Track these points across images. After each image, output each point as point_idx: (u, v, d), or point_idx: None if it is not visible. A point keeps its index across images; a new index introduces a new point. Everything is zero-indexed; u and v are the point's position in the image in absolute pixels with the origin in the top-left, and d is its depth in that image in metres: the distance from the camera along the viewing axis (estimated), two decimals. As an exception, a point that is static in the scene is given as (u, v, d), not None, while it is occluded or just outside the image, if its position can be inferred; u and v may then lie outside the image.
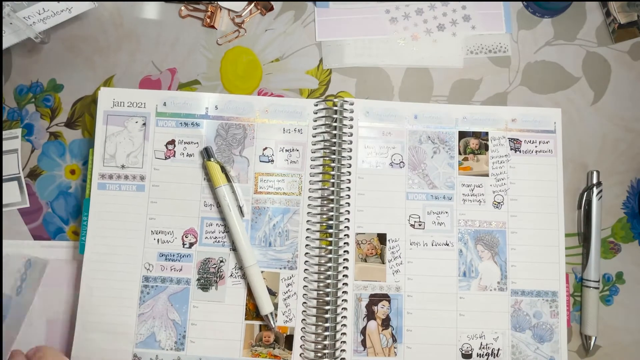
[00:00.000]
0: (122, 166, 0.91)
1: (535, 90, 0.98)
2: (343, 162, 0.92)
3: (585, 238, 0.95)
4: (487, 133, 0.94)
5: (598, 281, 0.93)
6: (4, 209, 0.95)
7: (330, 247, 0.90)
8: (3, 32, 0.91)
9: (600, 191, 0.94)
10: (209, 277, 0.90)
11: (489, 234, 0.92)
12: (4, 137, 0.96)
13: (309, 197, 0.92)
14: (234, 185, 0.91)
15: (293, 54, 0.99)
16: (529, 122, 0.95)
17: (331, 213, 0.91)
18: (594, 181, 0.94)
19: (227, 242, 0.91)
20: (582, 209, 0.95)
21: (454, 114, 0.95)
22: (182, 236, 0.91)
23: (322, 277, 0.90)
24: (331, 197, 0.92)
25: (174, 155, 0.92)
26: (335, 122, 0.93)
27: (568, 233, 0.95)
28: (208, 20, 0.98)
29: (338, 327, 0.90)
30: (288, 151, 0.93)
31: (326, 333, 0.89)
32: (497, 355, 0.90)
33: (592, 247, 0.93)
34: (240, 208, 0.91)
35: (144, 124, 0.92)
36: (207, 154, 0.91)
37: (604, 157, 0.97)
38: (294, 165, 0.93)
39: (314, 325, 0.89)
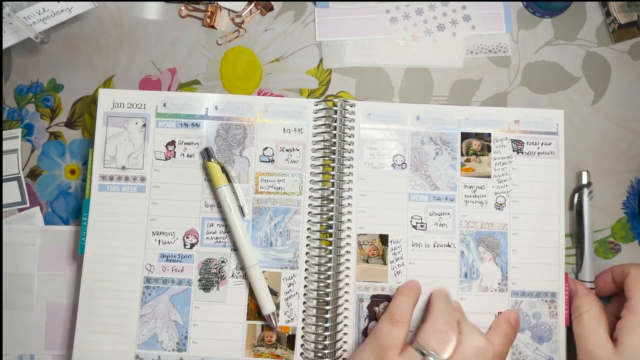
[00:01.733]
0: (123, 167, 0.91)
1: (535, 90, 0.98)
2: (344, 163, 0.92)
3: (578, 239, 0.95)
4: (489, 134, 0.94)
5: (593, 282, 0.93)
6: (4, 209, 0.95)
7: (331, 247, 0.91)
8: (3, 32, 0.91)
9: (591, 191, 0.94)
10: (210, 278, 0.90)
11: (491, 236, 0.92)
12: (4, 137, 0.96)
13: (310, 196, 0.92)
14: (234, 185, 0.91)
15: (293, 54, 0.99)
16: (532, 124, 0.94)
17: (332, 213, 0.91)
18: (584, 181, 0.95)
19: (228, 242, 0.91)
20: (575, 210, 0.95)
21: (456, 115, 0.95)
22: (183, 237, 0.91)
23: (322, 277, 0.90)
24: (332, 197, 0.92)
25: (174, 156, 0.92)
26: (335, 122, 0.93)
27: (568, 233, 0.95)
28: (208, 20, 0.98)
29: (339, 327, 0.90)
30: (288, 151, 0.93)
31: (327, 333, 0.89)
32: (497, 355, 0.90)
33: (585, 248, 0.93)
34: (241, 208, 0.91)
35: (144, 125, 0.92)
36: (207, 154, 0.91)
37: (604, 157, 0.97)
38: (295, 165, 0.93)
39: (314, 325, 0.89)
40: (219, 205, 0.91)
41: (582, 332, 0.86)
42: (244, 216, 0.91)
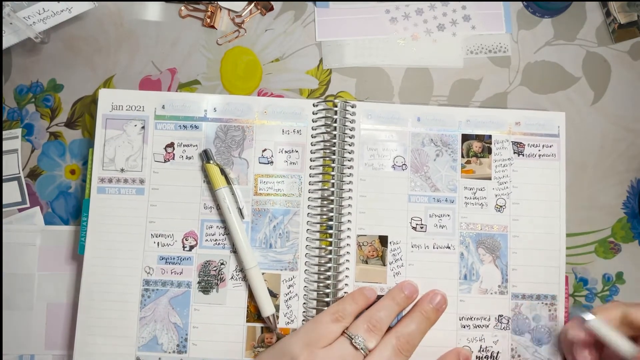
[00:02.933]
0: (122, 170, 0.91)
1: (535, 90, 0.98)
2: (344, 163, 0.92)
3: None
4: (490, 136, 0.94)
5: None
6: (4, 209, 0.95)
7: (330, 248, 0.91)
8: (3, 32, 0.91)
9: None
10: (209, 280, 0.90)
11: (491, 238, 0.92)
12: (4, 137, 0.96)
13: (309, 197, 0.92)
14: (233, 187, 0.91)
15: (293, 54, 0.98)
16: (533, 126, 0.94)
17: (331, 214, 0.91)
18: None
19: (227, 244, 0.91)
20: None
21: (457, 117, 0.94)
22: (182, 239, 0.91)
23: (322, 277, 0.90)
24: (331, 197, 0.92)
25: (173, 158, 0.92)
26: (336, 122, 0.93)
27: (571, 233, 0.95)
28: (208, 20, 0.98)
29: (338, 327, 0.90)
30: (287, 152, 0.93)
31: (327, 333, 0.89)
32: (496, 358, 0.90)
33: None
34: (240, 210, 0.91)
35: (143, 127, 0.92)
36: (206, 156, 0.91)
37: (604, 157, 0.97)
38: (294, 167, 0.93)
39: (314, 326, 0.89)
40: (218, 207, 0.91)
41: None
42: (243, 218, 0.91)
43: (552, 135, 0.94)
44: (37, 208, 0.95)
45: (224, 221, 0.91)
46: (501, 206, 0.93)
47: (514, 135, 0.94)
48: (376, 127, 0.94)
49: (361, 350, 0.80)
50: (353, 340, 0.81)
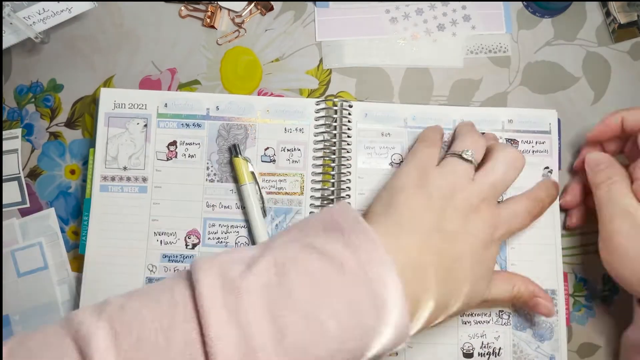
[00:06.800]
0: (124, 168, 0.92)
1: (535, 90, 0.98)
2: (343, 163, 0.92)
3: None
4: (484, 134, 0.94)
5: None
6: (4, 209, 0.95)
7: (331, 247, 0.90)
8: (3, 32, 0.91)
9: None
10: (211, 279, 0.90)
11: (489, 233, 0.92)
12: (4, 137, 0.96)
13: (311, 196, 0.92)
14: (258, 184, 0.91)
15: (293, 54, 0.99)
16: (525, 123, 0.95)
17: (332, 213, 0.91)
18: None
19: (230, 242, 0.91)
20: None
21: (452, 115, 0.95)
22: (185, 237, 0.91)
23: (323, 276, 0.90)
24: (331, 197, 0.92)
25: (175, 157, 0.92)
26: (336, 122, 0.93)
27: (570, 233, 0.95)
28: (208, 20, 0.98)
29: (339, 326, 0.90)
30: (289, 151, 0.93)
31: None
32: (498, 354, 0.90)
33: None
34: (263, 208, 0.91)
35: (145, 126, 0.93)
36: (235, 150, 0.92)
37: (603, 157, 0.97)
38: (296, 165, 0.93)
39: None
40: (242, 201, 0.91)
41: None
42: (265, 216, 0.92)
43: (544, 132, 0.95)
44: (52, 209, 0.95)
45: (246, 220, 0.91)
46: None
47: (507, 132, 0.95)
48: (373, 126, 0.94)
49: (472, 162, 0.80)
50: (463, 153, 0.80)
